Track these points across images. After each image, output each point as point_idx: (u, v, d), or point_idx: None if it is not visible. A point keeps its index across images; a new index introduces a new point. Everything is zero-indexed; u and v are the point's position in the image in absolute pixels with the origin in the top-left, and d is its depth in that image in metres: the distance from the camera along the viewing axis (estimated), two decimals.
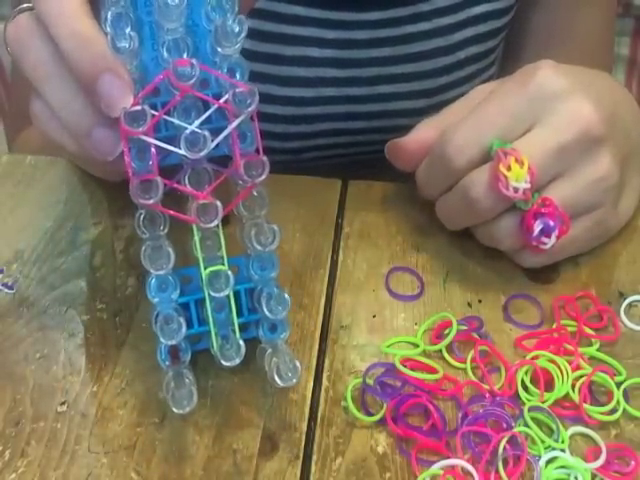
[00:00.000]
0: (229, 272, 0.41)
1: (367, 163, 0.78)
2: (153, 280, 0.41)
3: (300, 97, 0.67)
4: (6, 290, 0.50)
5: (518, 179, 0.47)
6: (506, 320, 0.50)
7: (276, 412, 0.44)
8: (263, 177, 0.41)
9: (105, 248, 0.52)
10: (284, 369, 0.42)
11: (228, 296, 0.42)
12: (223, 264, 0.42)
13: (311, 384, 0.46)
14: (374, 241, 0.54)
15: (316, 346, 0.47)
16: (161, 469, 0.41)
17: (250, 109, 0.41)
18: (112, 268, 0.51)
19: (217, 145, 0.41)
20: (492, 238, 0.51)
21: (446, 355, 0.47)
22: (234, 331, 0.42)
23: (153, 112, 0.40)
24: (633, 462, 0.42)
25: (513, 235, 0.50)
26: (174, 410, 0.40)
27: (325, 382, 0.46)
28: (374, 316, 0.50)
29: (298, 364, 0.42)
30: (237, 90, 0.41)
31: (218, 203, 0.40)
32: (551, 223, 0.48)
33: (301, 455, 0.42)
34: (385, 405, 0.44)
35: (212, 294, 0.41)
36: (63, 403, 0.44)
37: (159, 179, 0.40)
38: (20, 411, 0.43)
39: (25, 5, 0.43)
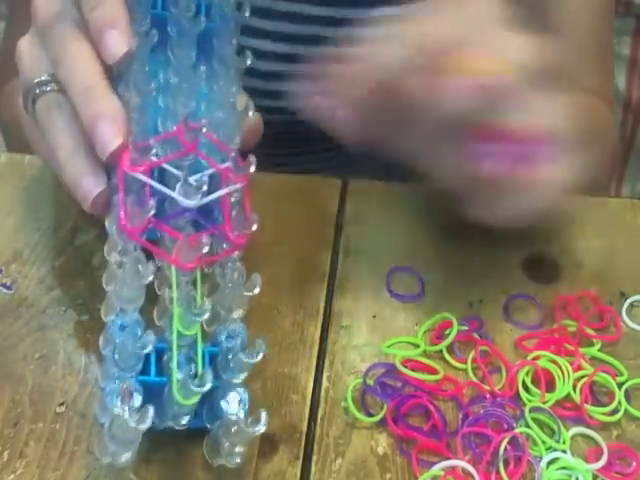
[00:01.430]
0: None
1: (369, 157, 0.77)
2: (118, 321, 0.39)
3: (294, 54, 0.65)
4: (5, 290, 0.50)
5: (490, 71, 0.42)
6: (506, 320, 0.49)
7: (276, 412, 0.44)
8: (252, 229, 0.42)
9: (104, 248, 0.52)
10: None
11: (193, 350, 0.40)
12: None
13: (311, 384, 0.45)
14: (374, 241, 0.54)
15: (316, 346, 0.47)
16: (160, 470, 0.41)
17: (243, 183, 0.43)
18: None
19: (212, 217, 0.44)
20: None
21: (447, 355, 0.47)
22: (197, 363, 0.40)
23: (153, 158, 0.42)
24: (634, 463, 0.42)
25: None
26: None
27: (325, 382, 0.46)
28: (374, 316, 0.49)
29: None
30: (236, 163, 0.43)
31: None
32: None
33: (301, 455, 0.42)
34: (385, 406, 0.43)
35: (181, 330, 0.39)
36: (62, 404, 0.44)
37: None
38: (19, 411, 0.43)
39: (44, 78, 0.46)
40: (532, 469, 0.41)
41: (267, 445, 0.42)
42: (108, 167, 0.43)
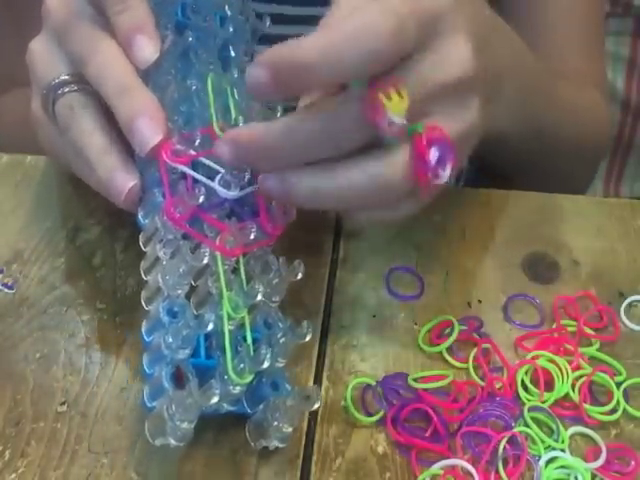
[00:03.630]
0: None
1: None
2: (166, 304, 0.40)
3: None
4: (6, 290, 0.50)
5: (398, 112, 0.39)
6: (506, 320, 0.50)
7: None
8: (290, 219, 0.44)
9: (105, 248, 0.52)
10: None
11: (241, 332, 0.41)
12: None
13: (311, 384, 0.46)
14: (374, 241, 0.54)
15: (316, 346, 0.47)
16: (161, 469, 0.41)
17: None
18: (112, 268, 0.51)
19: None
20: (380, 184, 0.40)
21: (447, 356, 0.47)
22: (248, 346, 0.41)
23: (193, 151, 0.43)
24: (633, 462, 0.42)
25: (405, 172, 0.40)
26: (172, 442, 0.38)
27: (325, 382, 0.46)
28: (374, 316, 0.50)
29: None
30: None
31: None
32: (447, 149, 0.41)
33: (301, 455, 0.42)
34: (383, 411, 0.44)
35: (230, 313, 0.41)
36: (63, 403, 0.44)
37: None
38: (20, 411, 0.43)
39: (63, 78, 0.46)
40: (531, 468, 0.42)
41: None
42: (139, 164, 0.45)
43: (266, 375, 0.41)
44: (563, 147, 0.64)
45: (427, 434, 0.43)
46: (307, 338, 0.41)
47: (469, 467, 0.41)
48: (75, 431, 0.43)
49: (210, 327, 0.40)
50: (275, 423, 0.40)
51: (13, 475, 0.41)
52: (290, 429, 0.40)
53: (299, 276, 0.43)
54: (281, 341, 0.41)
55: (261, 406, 0.41)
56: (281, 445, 0.41)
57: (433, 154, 0.40)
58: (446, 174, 0.41)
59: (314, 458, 0.42)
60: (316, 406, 0.40)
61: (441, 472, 0.41)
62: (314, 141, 0.40)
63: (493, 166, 0.66)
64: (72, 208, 0.55)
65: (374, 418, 0.44)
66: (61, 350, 0.47)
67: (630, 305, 0.51)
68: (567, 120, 0.63)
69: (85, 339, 0.47)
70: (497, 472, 0.41)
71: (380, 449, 0.43)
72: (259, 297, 0.41)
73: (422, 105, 0.41)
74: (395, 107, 0.39)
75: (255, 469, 0.41)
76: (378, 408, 0.44)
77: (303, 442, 0.43)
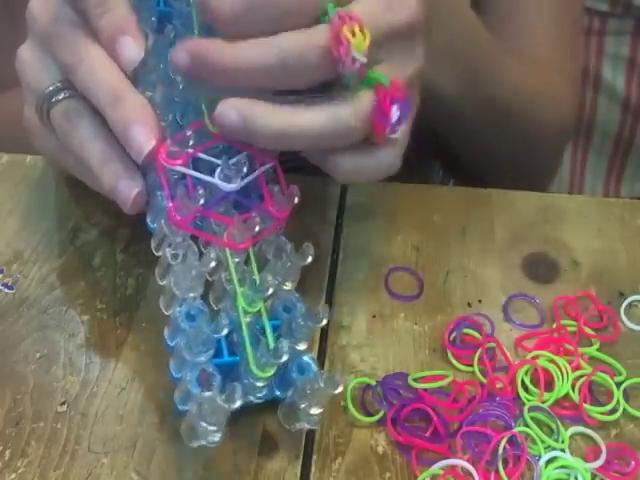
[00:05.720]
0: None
1: None
2: (183, 308, 0.41)
3: None
4: (6, 290, 0.50)
5: (359, 49, 0.40)
6: (506, 320, 0.50)
7: (276, 412, 0.44)
8: (294, 201, 0.44)
9: (105, 248, 0.52)
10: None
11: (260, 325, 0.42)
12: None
13: None
14: (374, 241, 0.54)
15: (316, 346, 0.47)
16: (161, 469, 0.41)
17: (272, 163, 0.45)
18: (112, 268, 0.51)
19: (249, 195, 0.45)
20: (336, 122, 0.41)
21: (450, 358, 0.47)
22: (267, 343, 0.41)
23: (189, 150, 0.43)
24: (633, 462, 0.42)
25: (366, 120, 0.42)
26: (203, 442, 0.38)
27: None
28: (374, 316, 0.50)
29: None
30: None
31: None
32: (406, 109, 0.42)
33: (301, 455, 0.42)
34: (383, 411, 0.44)
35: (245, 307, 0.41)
36: (63, 403, 0.44)
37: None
38: (20, 411, 0.43)
39: (57, 85, 0.45)
40: (531, 468, 0.41)
41: (267, 444, 0.43)
42: (142, 166, 0.44)
43: (290, 359, 0.41)
44: (516, 122, 0.64)
45: (427, 434, 0.43)
46: (323, 323, 0.41)
47: (469, 467, 0.41)
48: (75, 431, 0.43)
49: (225, 332, 0.40)
50: (302, 406, 0.40)
51: (13, 475, 0.41)
52: (319, 411, 0.40)
53: (309, 259, 0.43)
54: (301, 324, 0.41)
55: (291, 390, 0.41)
56: (313, 427, 0.41)
57: (395, 112, 0.42)
58: (400, 132, 0.43)
59: (314, 458, 0.42)
60: (339, 389, 0.40)
61: (441, 472, 0.41)
62: (275, 67, 0.40)
63: (462, 157, 0.66)
64: (72, 208, 0.55)
65: (374, 418, 0.44)
66: (61, 350, 0.47)
67: (630, 305, 0.51)
68: (517, 94, 0.64)
69: (85, 339, 0.47)
70: (497, 472, 0.41)
71: (380, 449, 0.43)
72: (270, 290, 0.41)
73: (376, 50, 0.41)
74: (358, 44, 0.40)
75: (255, 469, 0.41)
76: (378, 408, 0.44)
77: (303, 442, 0.43)
